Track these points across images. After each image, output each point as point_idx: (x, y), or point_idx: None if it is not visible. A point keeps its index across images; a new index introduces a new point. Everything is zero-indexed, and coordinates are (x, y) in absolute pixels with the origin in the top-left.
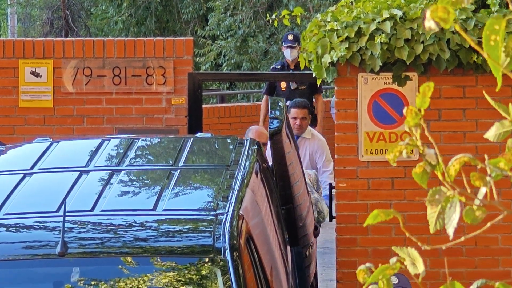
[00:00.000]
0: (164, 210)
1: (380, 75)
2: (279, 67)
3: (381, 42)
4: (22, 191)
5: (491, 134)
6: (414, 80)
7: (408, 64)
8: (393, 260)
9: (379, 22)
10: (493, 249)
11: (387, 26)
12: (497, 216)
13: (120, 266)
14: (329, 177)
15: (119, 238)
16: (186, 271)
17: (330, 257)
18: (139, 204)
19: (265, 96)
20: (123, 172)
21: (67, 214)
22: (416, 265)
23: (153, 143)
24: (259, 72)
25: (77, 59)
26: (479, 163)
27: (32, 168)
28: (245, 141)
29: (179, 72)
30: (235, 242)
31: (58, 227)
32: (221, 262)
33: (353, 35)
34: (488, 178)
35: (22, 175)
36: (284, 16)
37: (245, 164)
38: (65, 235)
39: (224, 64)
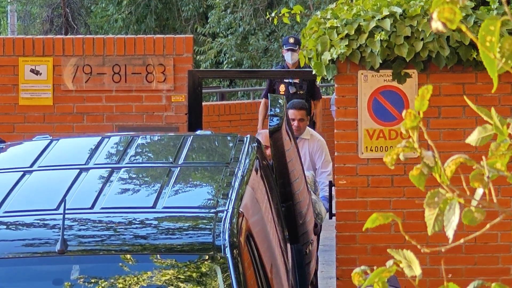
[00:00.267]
0: (164, 207)
1: (380, 73)
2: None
3: (381, 40)
4: (22, 189)
5: (473, 138)
6: (414, 77)
7: (408, 61)
8: (389, 263)
9: (379, 19)
10: (492, 246)
11: (387, 24)
12: (496, 214)
13: (120, 264)
14: (327, 178)
15: (119, 236)
16: (186, 269)
17: (330, 254)
18: (139, 201)
19: (263, 99)
20: (123, 169)
21: (67, 211)
22: (412, 267)
23: (153, 141)
24: (258, 69)
25: (77, 57)
26: (475, 164)
27: (32, 165)
28: (245, 138)
29: (179, 70)
30: (235, 239)
31: (58, 224)
32: (221, 260)
33: (353, 32)
34: (485, 179)
35: (22, 172)
36: (283, 14)
37: (245, 161)
38: (65, 233)
39: (224, 62)
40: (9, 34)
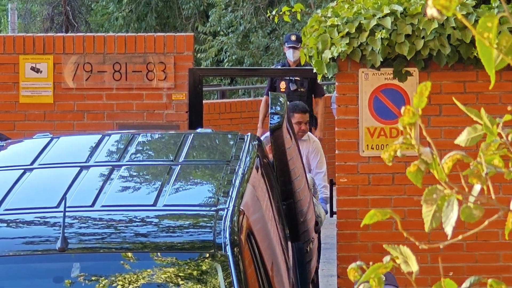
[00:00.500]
0: (165, 205)
1: (380, 71)
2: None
3: (381, 38)
4: (22, 187)
5: (462, 139)
6: (414, 76)
7: (408, 59)
8: (386, 258)
9: (379, 17)
10: (493, 244)
11: (388, 22)
12: (496, 211)
13: (120, 262)
14: (323, 179)
15: (119, 234)
16: (187, 267)
17: (330, 252)
18: (139, 199)
19: (265, 97)
20: (123, 167)
21: (67, 209)
22: (409, 263)
23: (154, 139)
24: (258, 68)
25: (78, 55)
26: (472, 160)
27: (32, 163)
28: (246, 136)
29: (179, 68)
30: (235, 237)
31: (59, 222)
32: (222, 258)
33: (353, 30)
34: (483, 175)
35: (23, 170)
36: (284, 12)
37: (245, 159)
38: (65, 231)
39: (225, 60)
40: (9, 32)
